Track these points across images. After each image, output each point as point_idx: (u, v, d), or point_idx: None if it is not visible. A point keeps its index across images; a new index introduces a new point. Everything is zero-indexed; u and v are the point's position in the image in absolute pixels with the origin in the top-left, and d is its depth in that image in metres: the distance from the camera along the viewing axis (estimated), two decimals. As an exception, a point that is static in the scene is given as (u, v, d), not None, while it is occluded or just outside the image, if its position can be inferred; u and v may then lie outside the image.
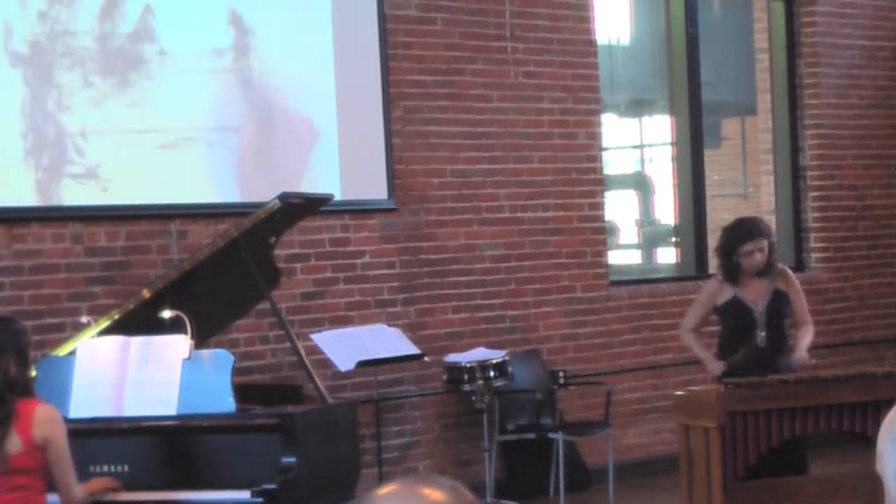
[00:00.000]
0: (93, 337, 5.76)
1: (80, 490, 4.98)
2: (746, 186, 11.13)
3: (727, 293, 6.89)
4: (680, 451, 6.80)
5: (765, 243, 6.83)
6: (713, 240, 10.12)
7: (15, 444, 4.76)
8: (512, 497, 8.15)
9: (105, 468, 5.47)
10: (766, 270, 6.87)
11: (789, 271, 7.11)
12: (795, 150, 10.31)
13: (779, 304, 6.88)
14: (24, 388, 4.86)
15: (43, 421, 4.81)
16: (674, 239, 10.49)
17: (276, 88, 7.80)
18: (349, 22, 8.06)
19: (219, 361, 5.62)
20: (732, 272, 6.86)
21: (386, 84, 8.19)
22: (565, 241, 8.96)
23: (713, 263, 9.90)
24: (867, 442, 6.38)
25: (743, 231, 6.87)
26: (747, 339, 6.86)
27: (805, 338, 7.00)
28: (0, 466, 4.74)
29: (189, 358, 5.59)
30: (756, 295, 6.86)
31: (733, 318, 6.89)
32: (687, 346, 7.30)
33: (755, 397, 6.51)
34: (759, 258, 6.81)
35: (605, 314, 9.14)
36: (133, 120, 7.31)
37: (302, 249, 7.87)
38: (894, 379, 6.75)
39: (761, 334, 6.83)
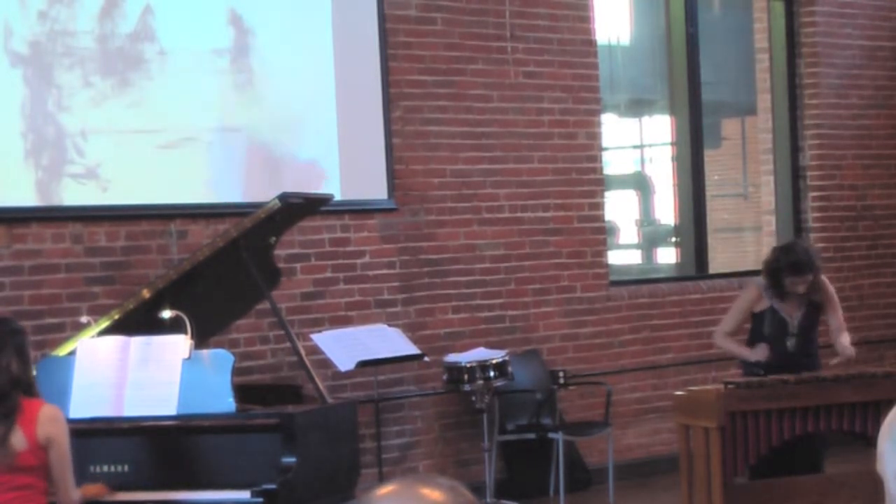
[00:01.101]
0: (93, 337, 5.76)
1: (76, 493, 4.99)
2: (746, 186, 11.12)
3: (765, 302, 6.98)
4: (680, 451, 6.81)
5: (810, 278, 6.90)
6: (713, 240, 10.18)
7: (20, 441, 4.78)
8: (512, 497, 8.15)
9: (105, 468, 5.47)
10: (806, 295, 6.97)
11: (825, 281, 7.17)
12: (795, 150, 10.31)
13: (813, 315, 7.04)
14: (28, 387, 4.88)
15: (47, 420, 4.84)
16: (674, 239, 10.48)
17: (276, 88, 7.80)
18: (349, 22, 8.06)
19: (219, 361, 5.62)
20: (778, 290, 6.94)
21: (386, 84, 8.19)
22: (565, 241, 8.96)
23: (714, 264, 9.99)
24: (867, 442, 6.39)
25: (793, 265, 6.89)
26: (778, 347, 6.92)
27: (844, 336, 7.10)
28: (5, 462, 4.76)
29: (189, 358, 5.59)
30: (792, 307, 6.98)
31: (767, 326, 6.96)
32: (724, 350, 7.34)
33: (755, 397, 6.51)
34: (802, 289, 6.93)
35: (605, 314, 9.13)
36: (133, 120, 7.31)
37: (302, 249, 7.87)
38: (894, 379, 6.75)
39: (791, 342, 6.94)
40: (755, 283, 7.17)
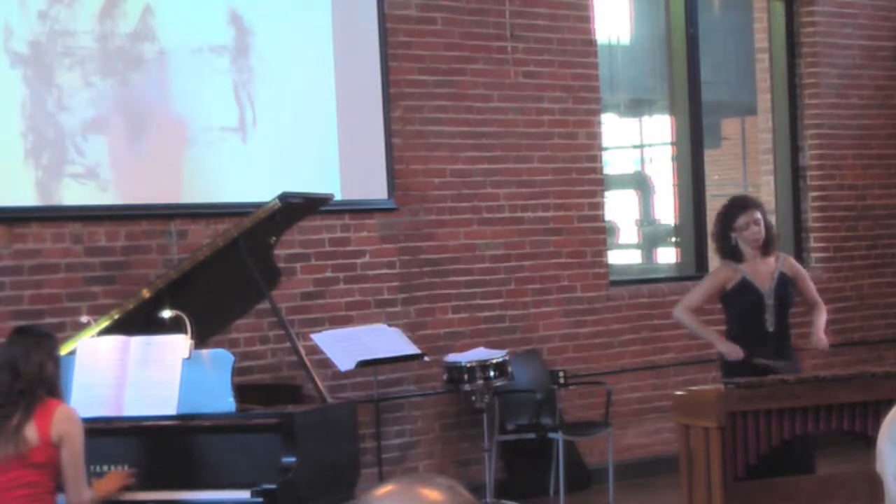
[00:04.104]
0: (93, 337, 5.76)
1: (88, 493, 5.01)
2: (746, 186, 11.12)
3: (736, 276, 6.91)
4: (680, 451, 6.80)
5: (758, 214, 6.88)
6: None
7: (33, 437, 4.85)
8: (512, 497, 8.15)
9: (105, 468, 5.47)
10: (768, 247, 6.93)
11: (791, 258, 7.23)
12: (795, 150, 10.31)
13: (785, 288, 6.95)
14: (54, 389, 5.00)
15: (62, 419, 4.91)
16: (674, 239, 10.48)
17: (276, 88, 7.80)
18: (349, 22, 8.06)
19: (219, 361, 5.62)
20: (734, 252, 6.89)
21: (386, 84, 8.19)
22: (565, 241, 8.96)
23: (713, 263, 9.97)
24: (867, 442, 6.39)
25: (735, 206, 6.92)
26: (756, 326, 6.88)
27: (820, 317, 7.10)
28: (15, 454, 4.81)
29: (189, 358, 5.59)
30: (763, 279, 6.92)
31: (742, 301, 6.90)
32: (684, 325, 7.24)
33: (755, 397, 6.50)
34: (755, 230, 6.86)
35: (605, 314, 9.14)
36: (133, 120, 7.30)
37: (302, 249, 7.87)
38: (894, 379, 6.74)
39: (769, 319, 6.88)
40: (726, 262, 7.09)
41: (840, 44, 10.30)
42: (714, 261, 10.00)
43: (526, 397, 8.21)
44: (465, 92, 8.54)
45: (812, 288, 7.17)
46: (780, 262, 7.00)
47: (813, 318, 7.13)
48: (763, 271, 6.93)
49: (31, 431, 4.86)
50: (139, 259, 7.31)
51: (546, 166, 8.88)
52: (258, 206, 6.11)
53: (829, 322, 9.90)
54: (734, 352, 6.84)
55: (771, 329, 6.90)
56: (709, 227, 9.94)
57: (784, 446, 6.58)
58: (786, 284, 6.96)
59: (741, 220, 6.85)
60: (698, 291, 7.12)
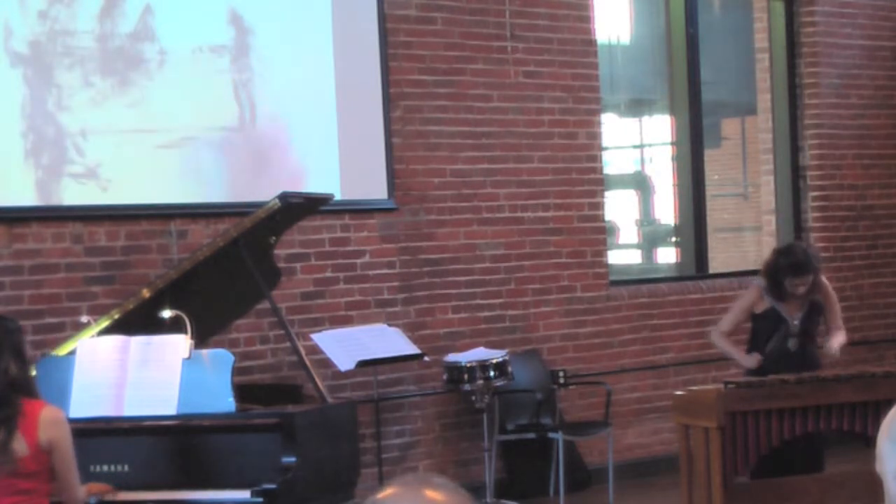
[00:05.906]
0: (93, 337, 5.76)
1: (82, 491, 4.96)
2: (746, 186, 11.12)
3: (766, 302, 6.97)
4: (680, 451, 6.81)
5: (811, 278, 6.90)
6: (713, 240, 10.18)
7: (21, 447, 4.69)
8: (512, 497, 8.15)
9: (105, 468, 5.47)
10: (809, 292, 6.99)
11: (824, 281, 7.19)
12: (795, 150, 10.31)
13: (813, 315, 7.05)
14: (27, 388, 4.79)
15: (48, 423, 4.75)
16: (674, 239, 10.48)
17: (276, 88, 7.80)
18: (349, 22, 8.06)
19: (219, 361, 5.61)
20: (778, 292, 6.94)
21: (386, 84, 8.19)
22: (565, 241, 8.96)
23: (713, 264, 9.99)
24: (867, 442, 6.39)
25: (792, 266, 6.90)
26: (779, 347, 6.93)
27: (838, 336, 7.12)
28: (7, 469, 4.69)
29: (189, 358, 5.59)
30: (793, 307, 6.98)
31: (768, 326, 6.97)
32: (717, 348, 7.34)
33: (755, 397, 6.51)
34: (802, 290, 6.93)
35: (605, 314, 9.13)
36: (133, 120, 7.30)
37: (302, 249, 7.87)
38: (894, 379, 6.75)
39: (792, 342, 6.94)
40: (756, 283, 7.16)
41: (840, 44, 10.30)
42: (714, 261, 10.05)
43: (526, 397, 8.21)
44: (465, 92, 8.54)
45: (837, 313, 7.19)
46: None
47: (829, 335, 7.15)
48: (794, 300, 6.97)
49: (19, 443, 4.67)
50: (139, 259, 7.31)
51: (546, 166, 8.88)
52: (258, 206, 6.11)
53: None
54: (753, 360, 6.91)
55: (793, 349, 6.96)
56: (709, 227, 10.00)
57: (793, 445, 6.60)
58: (814, 311, 7.03)
59: (792, 282, 6.89)
60: (731, 316, 7.22)
